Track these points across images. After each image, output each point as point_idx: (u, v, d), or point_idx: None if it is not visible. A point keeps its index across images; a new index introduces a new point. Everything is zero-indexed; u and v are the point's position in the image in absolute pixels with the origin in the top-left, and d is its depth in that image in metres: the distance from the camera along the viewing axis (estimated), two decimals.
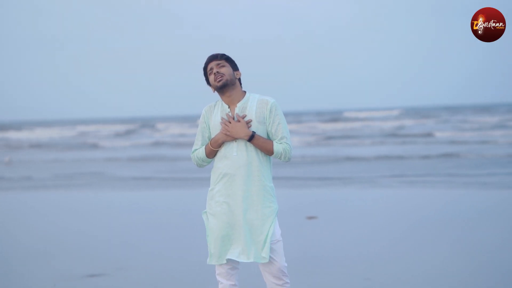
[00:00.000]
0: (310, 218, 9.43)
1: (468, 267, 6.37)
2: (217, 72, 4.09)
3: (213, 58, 4.15)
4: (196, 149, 4.20)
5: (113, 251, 7.44)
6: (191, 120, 72.16)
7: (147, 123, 66.56)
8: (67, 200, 12.46)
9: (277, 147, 4.08)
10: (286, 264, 4.09)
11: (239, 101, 4.12)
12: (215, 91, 4.16)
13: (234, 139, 4.05)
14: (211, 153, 4.12)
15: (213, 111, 4.16)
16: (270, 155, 4.09)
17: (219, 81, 4.08)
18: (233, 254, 4.04)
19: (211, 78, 4.12)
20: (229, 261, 4.09)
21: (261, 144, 4.06)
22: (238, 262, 4.11)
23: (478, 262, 6.54)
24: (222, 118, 4.08)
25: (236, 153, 4.05)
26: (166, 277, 6.20)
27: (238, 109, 4.09)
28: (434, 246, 7.29)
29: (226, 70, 4.10)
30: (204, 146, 4.16)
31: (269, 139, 4.09)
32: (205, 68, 4.18)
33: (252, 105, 4.11)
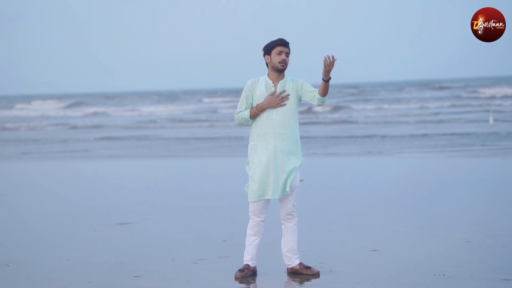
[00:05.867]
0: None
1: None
2: (285, 59, 5.24)
3: (286, 43, 5.25)
4: (240, 111, 5.30)
5: (140, 206, 9.25)
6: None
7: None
8: (102, 168, 14.44)
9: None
10: (296, 204, 5.38)
11: (281, 80, 5.32)
12: (269, 66, 5.27)
13: (275, 107, 5.25)
14: (254, 116, 5.26)
15: (257, 84, 5.30)
16: (324, 96, 5.20)
17: (283, 66, 5.24)
18: (268, 194, 5.21)
19: (278, 57, 5.22)
20: (262, 201, 5.26)
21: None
22: (268, 202, 5.28)
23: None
24: (277, 94, 5.24)
25: (275, 117, 5.23)
26: (183, 226, 7.92)
27: (279, 86, 5.29)
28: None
29: (288, 60, 5.31)
30: (249, 109, 5.28)
31: (315, 90, 5.24)
32: (273, 45, 5.23)
33: (289, 85, 5.30)
